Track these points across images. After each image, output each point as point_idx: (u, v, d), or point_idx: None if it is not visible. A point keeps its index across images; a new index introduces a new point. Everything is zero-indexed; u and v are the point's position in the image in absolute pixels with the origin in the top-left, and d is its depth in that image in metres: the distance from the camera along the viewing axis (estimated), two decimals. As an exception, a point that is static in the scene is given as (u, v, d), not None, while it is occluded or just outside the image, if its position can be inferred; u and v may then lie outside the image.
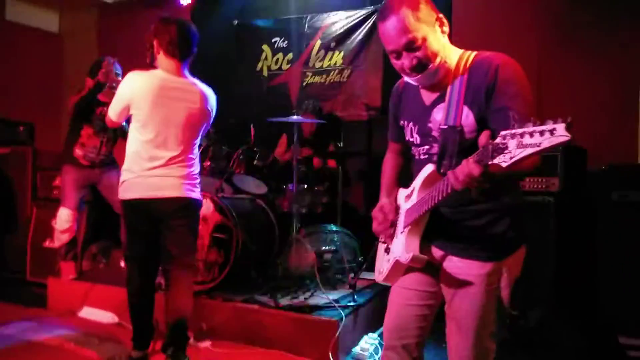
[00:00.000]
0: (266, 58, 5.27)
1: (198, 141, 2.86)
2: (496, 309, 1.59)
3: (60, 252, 4.01)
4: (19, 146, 4.99)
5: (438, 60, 1.54)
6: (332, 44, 4.93)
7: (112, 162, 4.07)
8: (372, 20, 4.74)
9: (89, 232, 4.41)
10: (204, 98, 2.77)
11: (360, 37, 4.80)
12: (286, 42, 5.17)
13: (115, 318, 3.57)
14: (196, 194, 2.79)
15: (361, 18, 4.79)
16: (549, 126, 1.05)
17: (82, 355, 3.04)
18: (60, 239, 3.95)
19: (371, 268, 4.04)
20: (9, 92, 5.67)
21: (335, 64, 4.93)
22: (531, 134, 1.07)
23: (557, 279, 3.21)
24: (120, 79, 3.77)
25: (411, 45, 1.51)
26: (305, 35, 5.07)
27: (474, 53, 1.58)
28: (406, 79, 1.65)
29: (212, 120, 2.90)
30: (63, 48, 6.46)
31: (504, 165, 1.13)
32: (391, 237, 1.76)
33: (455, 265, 1.62)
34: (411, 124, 1.72)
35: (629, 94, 3.77)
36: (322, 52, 4.98)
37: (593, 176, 3.31)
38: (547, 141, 1.05)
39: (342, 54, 4.89)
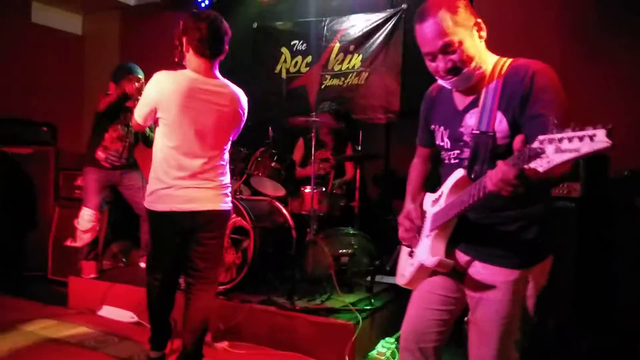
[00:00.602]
0: (285, 60, 5.29)
1: (229, 146, 2.70)
2: (521, 317, 1.58)
3: (82, 252, 4.07)
4: (42, 146, 5.08)
5: (473, 64, 1.54)
6: (351, 47, 4.92)
7: (133, 163, 4.14)
8: (392, 24, 4.73)
9: (109, 232, 4.47)
10: (235, 100, 2.62)
11: (379, 40, 4.79)
12: (305, 44, 5.18)
13: (134, 317, 3.61)
14: (228, 204, 2.66)
15: (380, 21, 4.78)
16: (589, 132, 1.03)
17: (101, 354, 3.08)
18: (82, 239, 4.02)
19: (389, 272, 4.02)
20: (32, 93, 5.79)
21: (353, 66, 4.92)
22: (570, 139, 1.06)
23: (577, 284, 3.17)
24: (142, 82, 3.85)
25: (447, 49, 1.51)
26: (324, 38, 5.06)
27: (510, 60, 1.58)
28: (440, 82, 1.65)
29: (244, 120, 2.74)
30: (86, 50, 6.57)
31: (540, 169, 1.12)
32: (416, 242, 1.75)
33: (481, 271, 1.61)
34: (442, 128, 1.72)
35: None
36: (341, 55, 4.97)
37: (615, 182, 3.26)
38: (587, 147, 1.03)
39: (360, 56, 4.88)
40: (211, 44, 2.50)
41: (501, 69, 1.56)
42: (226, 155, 2.69)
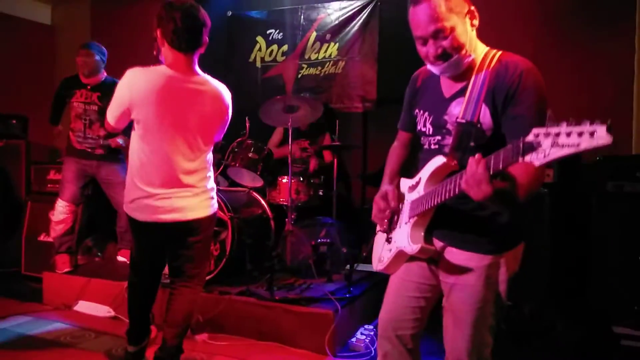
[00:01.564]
0: (260, 49, 5.23)
1: (212, 146, 2.53)
2: (494, 302, 1.59)
3: (55, 245, 4.00)
4: (12, 140, 4.96)
5: (463, 52, 1.53)
6: (328, 36, 4.89)
7: (112, 154, 4.04)
8: (367, 12, 4.71)
9: (84, 226, 4.39)
10: (218, 98, 2.43)
11: (355, 28, 4.77)
12: (281, 33, 5.13)
13: (111, 311, 3.56)
14: (213, 207, 2.54)
15: (357, 9, 4.76)
16: (589, 127, 1.02)
17: (78, 349, 3.03)
18: (55, 230, 3.97)
19: (367, 260, 4.04)
20: (1, 85, 5.62)
21: (330, 55, 4.90)
22: (568, 134, 1.05)
23: (552, 269, 3.23)
24: (97, 58, 3.91)
25: (438, 34, 1.50)
26: (300, 26, 5.02)
27: (500, 53, 1.58)
28: (429, 67, 1.64)
29: (228, 120, 2.56)
30: (56, 40, 6.40)
31: (536, 163, 1.11)
32: (390, 225, 1.76)
33: (454, 257, 1.63)
34: (426, 114, 1.72)
35: (622, 86, 3.78)
36: (318, 43, 4.95)
37: (588, 167, 3.32)
38: (586, 142, 1.02)
39: (337, 45, 4.86)
40: (187, 35, 2.28)
41: (491, 60, 1.56)
42: (209, 157, 2.52)
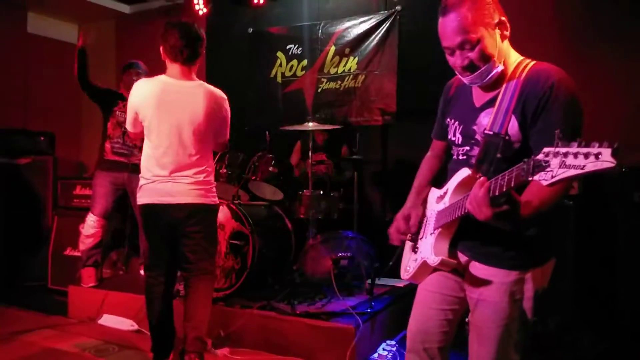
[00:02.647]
0: (280, 65, 5.29)
1: (210, 144, 2.80)
2: (519, 319, 1.56)
3: (82, 258, 4.07)
4: (40, 156, 5.09)
5: (491, 63, 1.51)
6: (347, 50, 4.92)
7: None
8: (386, 25, 4.73)
9: (109, 240, 4.47)
10: (210, 97, 2.71)
11: (374, 42, 4.79)
12: (300, 48, 5.18)
13: (134, 325, 3.60)
14: (210, 198, 2.76)
15: (375, 23, 4.78)
16: (594, 149, 1.00)
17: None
18: (84, 243, 4.04)
19: (389, 274, 4.02)
20: (30, 102, 5.80)
21: (349, 69, 4.92)
22: (575, 155, 1.03)
23: (577, 282, 3.16)
24: (142, 75, 4.04)
25: (464, 46, 1.49)
26: (319, 41, 5.06)
27: (533, 62, 1.55)
28: (459, 76, 1.63)
29: (226, 121, 2.84)
30: (82, 59, 6.57)
31: (544, 183, 1.09)
32: (417, 235, 1.77)
33: (478, 271, 1.60)
34: (457, 123, 1.71)
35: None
36: (337, 58, 4.97)
37: (613, 178, 3.25)
38: (591, 165, 1.01)
39: (356, 59, 4.88)
40: (182, 48, 2.64)
41: (522, 70, 1.53)
42: (207, 153, 2.78)
